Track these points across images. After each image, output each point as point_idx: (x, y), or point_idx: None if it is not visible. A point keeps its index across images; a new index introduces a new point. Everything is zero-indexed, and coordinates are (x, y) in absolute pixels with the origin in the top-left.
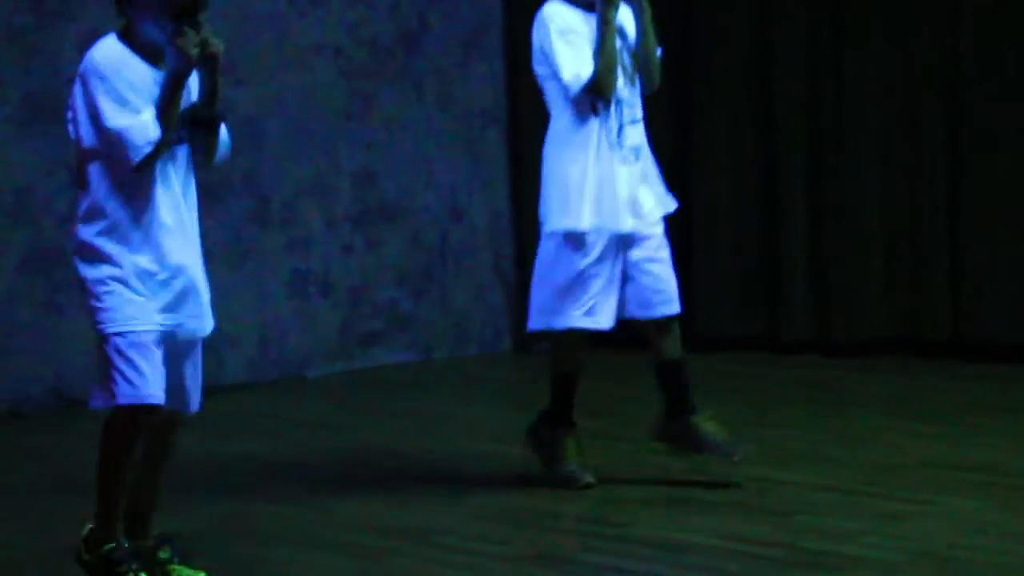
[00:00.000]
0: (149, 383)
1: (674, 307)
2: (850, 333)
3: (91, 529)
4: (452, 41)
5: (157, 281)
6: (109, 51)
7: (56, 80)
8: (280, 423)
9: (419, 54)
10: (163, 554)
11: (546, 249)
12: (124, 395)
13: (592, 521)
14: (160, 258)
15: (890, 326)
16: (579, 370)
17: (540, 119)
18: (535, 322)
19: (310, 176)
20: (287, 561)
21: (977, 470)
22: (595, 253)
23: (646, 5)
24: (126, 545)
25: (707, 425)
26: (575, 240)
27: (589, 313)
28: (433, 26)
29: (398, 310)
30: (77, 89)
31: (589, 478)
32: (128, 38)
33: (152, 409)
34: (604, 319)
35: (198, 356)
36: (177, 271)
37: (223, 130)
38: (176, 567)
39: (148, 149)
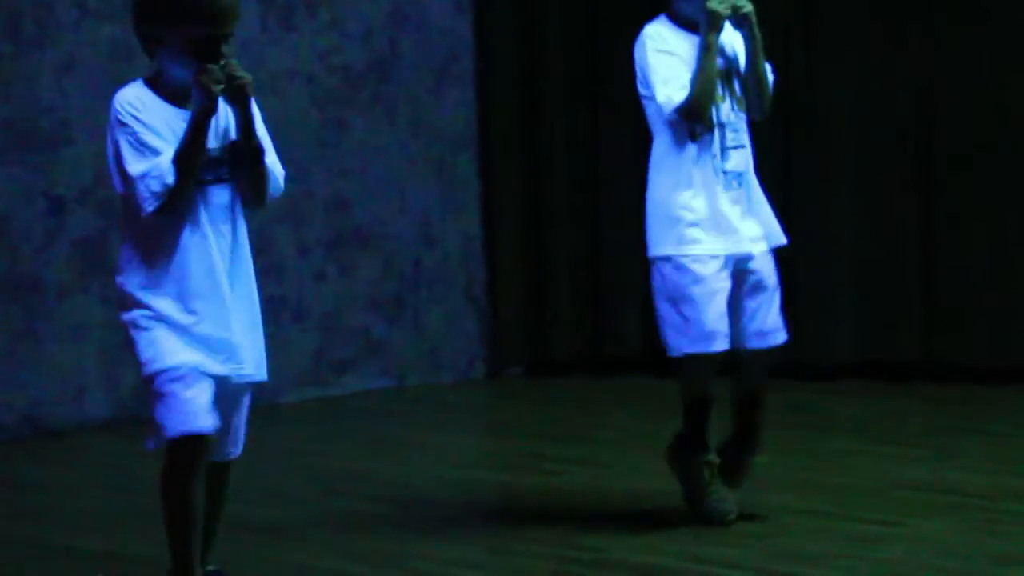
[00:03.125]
0: (194, 413)
1: (772, 340)
2: (821, 356)
3: (169, 571)
4: (424, 68)
5: (185, 327)
6: (129, 95)
7: (34, 108)
8: (253, 449)
9: (391, 81)
10: None
11: (659, 275)
12: (171, 428)
13: (566, 546)
14: (188, 305)
15: (861, 349)
16: (710, 394)
17: (512, 144)
18: (673, 350)
19: (284, 203)
20: None
21: (949, 492)
22: (708, 276)
23: (757, 32)
24: None
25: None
26: (686, 264)
27: (710, 336)
28: (405, 53)
29: (371, 336)
30: (108, 138)
31: (733, 513)
32: (156, 83)
33: (201, 440)
34: (723, 340)
35: (243, 404)
36: (209, 317)
37: (272, 161)
38: None
39: (163, 197)
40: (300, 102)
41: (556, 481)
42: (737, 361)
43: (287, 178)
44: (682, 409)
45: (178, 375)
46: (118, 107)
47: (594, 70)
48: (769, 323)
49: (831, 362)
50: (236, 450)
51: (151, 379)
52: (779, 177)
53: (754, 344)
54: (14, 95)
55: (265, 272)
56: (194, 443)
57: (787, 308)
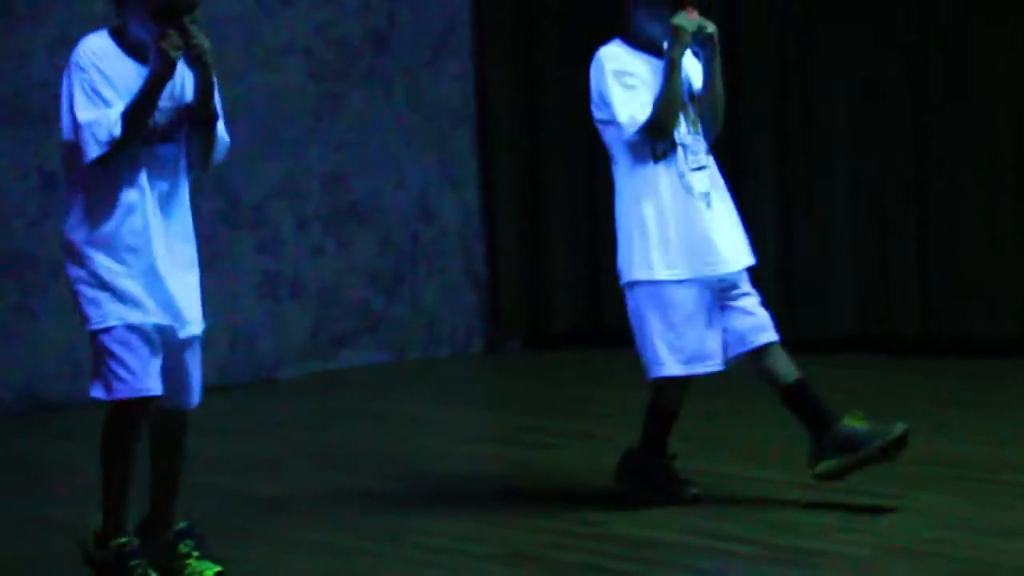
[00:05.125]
0: (139, 376)
1: (771, 335)
2: (820, 330)
3: (100, 525)
4: (421, 41)
5: (131, 280)
6: (94, 44)
7: (26, 84)
8: (252, 425)
9: (388, 54)
10: (183, 548)
11: (635, 299)
12: (117, 390)
13: (565, 519)
14: (133, 259)
15: (860, 323)
16: (679, 409)
17: (510, 118)
18: (652, 372)
19: (280, 177)
20: (260, 560)
21: (947, 465)
22: (688, 300)
23: (717, 52)
24: (135, 541)
25: (856, 424)
26: (666, 289)
27: (693, 359)
28: (402, 26)
29: (369, 311)
30: (63, 81)
31: (694, 489)
32: (120, 36)
33: (146, 402)
34: (712, 363)
35: (195, 353)
36: (151, 272)
37: (221, 128)
38: (193, 561)
39: (106, 147)
40: (297, 76)
41: (555, 454)
42: (754, 367)
43: (284, 152)
44: (649, 418)
45: (122, 337)
46: (81, 52)
47: (593, 43)
48: (755, 325)
49: (831, 335)
50: (189, 399)
51: (95, 336)
52: (776, 156)
53: (745, 349)
54: (7, 71)
55: (262, 247)
56: (137, 405)
57: (786, 284)
